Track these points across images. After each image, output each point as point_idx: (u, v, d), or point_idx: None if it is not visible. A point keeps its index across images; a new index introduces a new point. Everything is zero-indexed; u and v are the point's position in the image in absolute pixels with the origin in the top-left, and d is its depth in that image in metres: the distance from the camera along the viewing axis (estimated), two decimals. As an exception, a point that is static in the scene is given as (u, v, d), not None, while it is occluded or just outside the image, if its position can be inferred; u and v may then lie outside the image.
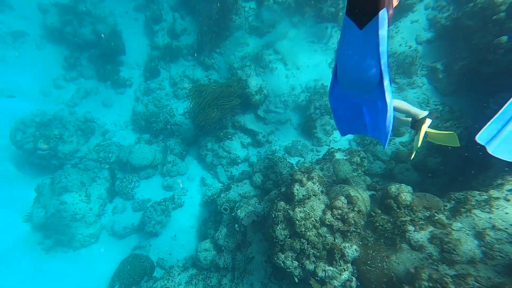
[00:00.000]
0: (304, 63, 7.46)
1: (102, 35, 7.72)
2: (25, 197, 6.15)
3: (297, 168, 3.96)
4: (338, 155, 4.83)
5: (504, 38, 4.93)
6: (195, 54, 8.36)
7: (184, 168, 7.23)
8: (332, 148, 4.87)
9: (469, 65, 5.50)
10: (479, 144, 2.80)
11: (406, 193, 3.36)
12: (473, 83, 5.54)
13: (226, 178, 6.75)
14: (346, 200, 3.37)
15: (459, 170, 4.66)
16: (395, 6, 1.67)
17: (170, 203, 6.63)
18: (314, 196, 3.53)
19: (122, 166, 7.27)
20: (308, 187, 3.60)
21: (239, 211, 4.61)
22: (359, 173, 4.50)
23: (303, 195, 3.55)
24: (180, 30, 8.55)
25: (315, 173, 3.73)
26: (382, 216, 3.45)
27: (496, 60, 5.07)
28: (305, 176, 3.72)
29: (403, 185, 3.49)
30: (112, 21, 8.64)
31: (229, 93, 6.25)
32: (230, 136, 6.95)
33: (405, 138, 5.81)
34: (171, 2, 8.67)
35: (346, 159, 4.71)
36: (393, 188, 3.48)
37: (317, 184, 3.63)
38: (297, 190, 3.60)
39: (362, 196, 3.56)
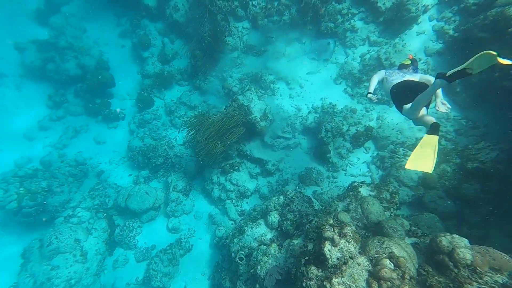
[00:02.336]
0: (308, 81, 6.99)
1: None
2: (11, 262, 5.46)
3: (324, 220, 3.40)
4: (364, 191, 4.29)
5: None
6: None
7: (189, 205, 6.63)
8: (356, 182, 4.36)
9: (488, 78, 5.09)
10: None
11: (463, 249, 2.80)
12: (495, 97, 5.11)
13: (237, 214, 6.16)
14: (392, 264, 2.80)
15: (503, 198, 4.16)
16: None
17: (177, 249, 6.00)
18: (351, 260, 2.95)
19: (121, 210, 6.65)
20: (342, 247, 3.03)
21: (258, 267, 4.02)
22: (392, 213, 3.97)
23: (337, 258, 2.98)
24: (171, 55, 8.06)
25: (348, 228, 3.16)
26: (437, 278, 2.88)
27: None
28: (337, 232, 3.15)
29: (456, 236, 2.93)
30: (97, 52, 8.13)
31: (233, 124, 5.71)
32: (236, 167, 6.39)
33: (430, 159, 5.32)
34: (158, 27, 8.19)
35: (373, 196, 4.18)
36: (444, 241, 2.93)
37: (352, 242, 3.06)
38: (329, 251, 3.02)
39: (408, 253, 3.00)
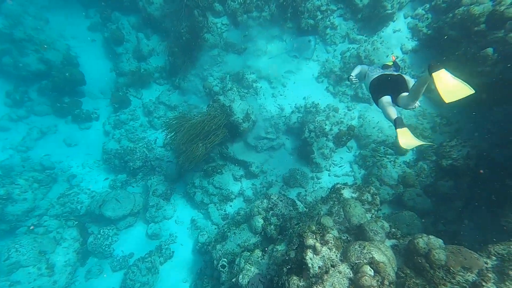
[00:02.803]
0: (290, 80, 6.87)
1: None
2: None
3: (306, 227, 3.33)
4: (346, 193, 4.29)
5: (490, 50, 4.77)
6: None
7: (170, 210, 6.34)
8: (338, 184, 4.35)
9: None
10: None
11: (438, 251, 2.85)
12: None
13: (220, 218, 5.99)
14: (372, 270, 2.79)
15: (473, 193, 4.35)
16: None
17: (157, 256, 5.74)
18: (332, 268, 2.90)
19: (95, 218, 6.21)
20: (324, 255, 2.97)
21: (240, 276, 3.89)
22: (373, 214, 3.99)
23: (319, 267, 2.92)
24: (148, 52, 7.55)
25: (330, 235, 3.11)
26: (414, 280, 2.92)
27: (486, 72, 4.87)
28: (318, 239, 3.09)
29: (432, 237, 2.99)
30: (63, 46, 7.40)
31: (214, 126, 5.46)
32: (219, 170, 6.17)
33: (408, 157, 5.45)
34: (132, 21, 7.61)
35: (355, 198, 4.18)
36: (421, 243, 2.97)
37: (333, 250, 3.01)
38: (310, 259, 2.96)
39: (388, 256, 3.01)
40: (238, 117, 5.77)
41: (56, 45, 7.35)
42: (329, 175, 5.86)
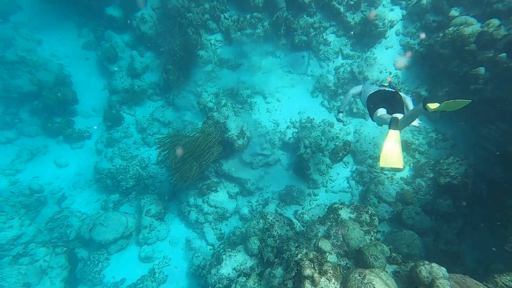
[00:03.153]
0: (285, 95, 6.87)
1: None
2: None
3: (303, 254, 3.19)
4: (343, 213, 4.17)
5: (482, 70, 4.84)
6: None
7: (164, 231, 6.12)
8: (336, 203, 4.24)
9: (452, 92, 5.32)
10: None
11: (442, 281, 2.72)
12: (460, 111, 5.36)
13: (216, 238, 5.78)
14: (374, 303, 2.64)
15: (473, 212, 4.26)
16: None
17: (150, 281, 5.47)
18: (333, 301, 2.76)
19: (85, 242, 5.95)
20: (322, 287, 2.82)
21: (237, 306, 3.69)
22: (372, 237, 3.87)
23: (318, 300, 2.76)
24: (141, 69, 7.54)
25: (328, 263, 2.99)
26: (419, 313, 2.77)
27: (478, 90, 4.92)
28: (317, 269, 2.96)
29: (434, 265, 2.86)
30: (55, 66, 7.36)
31: (209, 144, 5.36)
32: (214, 188, 6.03)
33: (405, 173, 5.39)
34: (125, 39, 7.64)
35: (353, 219, 4.06)
36: (424, 271, 2.84)
37: (332, 280, 2.88)
38: (309, 291, 2.80)
39: (390, 286, 2.87)
40: (233, 133, 5.69)
41: (48, 65, 7.30)
42: (326, 191, 5.75)
